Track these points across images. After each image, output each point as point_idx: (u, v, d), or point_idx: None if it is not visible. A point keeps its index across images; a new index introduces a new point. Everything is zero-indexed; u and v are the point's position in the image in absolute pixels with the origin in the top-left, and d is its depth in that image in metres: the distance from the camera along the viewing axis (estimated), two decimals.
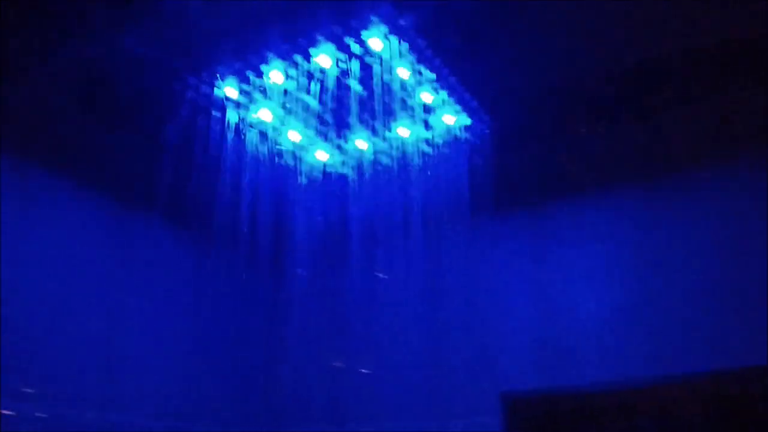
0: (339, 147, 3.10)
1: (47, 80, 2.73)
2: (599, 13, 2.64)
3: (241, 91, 2.79)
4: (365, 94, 2.77)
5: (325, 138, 3.05)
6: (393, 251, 3.18)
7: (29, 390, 2.81)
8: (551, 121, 3.20)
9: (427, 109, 2.89)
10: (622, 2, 2.58)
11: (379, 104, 2.78)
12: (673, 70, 2.96)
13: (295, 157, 3.02)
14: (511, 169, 3.30)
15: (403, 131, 3.02)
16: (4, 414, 2.70)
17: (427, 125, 2.99)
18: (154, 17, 2.52)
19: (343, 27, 2.46)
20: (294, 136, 3.00)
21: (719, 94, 3.06)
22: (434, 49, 2.61)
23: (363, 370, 3.63)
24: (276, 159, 3.00)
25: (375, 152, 3.07)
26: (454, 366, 3.51)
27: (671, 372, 3.16)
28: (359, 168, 3.09)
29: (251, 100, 2.81)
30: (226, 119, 2.86)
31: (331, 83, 2.70)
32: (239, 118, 2.86)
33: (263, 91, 2.77)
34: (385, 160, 3.05)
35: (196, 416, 3.48)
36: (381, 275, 3.34)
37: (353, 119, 2.91)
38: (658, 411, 3.55)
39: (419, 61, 2.60)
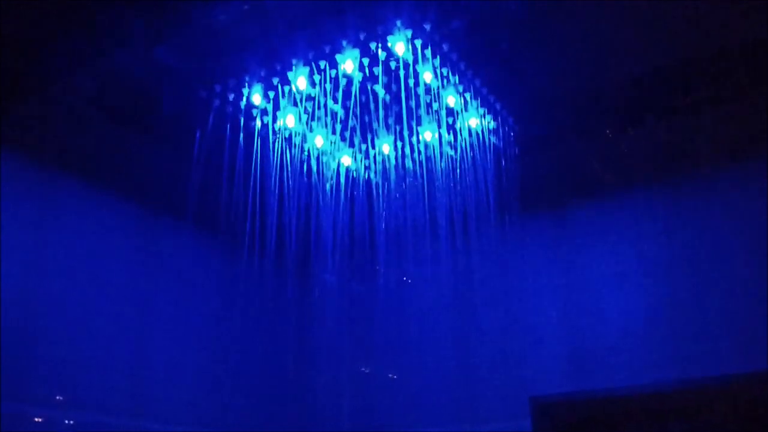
0: (364, 152, 3.11)
1: (78, 90, 2.78)
2: (623, 17, 2.64)
3: (267, 98, 2.81)
4: (389, 98, 2.78)
5: (351, 143, 3.07)
6: (420, 256, 3.18)
7: (58, 396, 2.85)
8: (576, 123, 3.19)
9: (452, 112, 2.89)
10: (647, 8, 2.58)
11: (404, 108, 2.79)
12: (698, 73, 2.95)
13: (320, 162, 3.04)
14: (537, 171, 3.30)
15: (428, 135, 3.02)
16: (36, 421, 2.74)
17: (452, 129, 2.99)
18: (182, 28, 2.57)
19: (367, 32, 2.48)
20: (319, 141, 3.02)
21: (744, 95, 3.04)
22: (458, 52, 2.62)
23: (391, 375, 3.63)
24: (302, 164, 3.01)
25: (400, 156, 3.07)
26: (483, 370, 3.51)
27: (700, 375, 3.13)
28: (384, 172, 3.10)
29: (277, 106, 2.83)
30: (253, 126, 2.89)
31: (355, 88, 2.72)
32: (265, 124, 2.89)
33: (289, 97, 2.80)
34: (410, 164, 3.06)
35: (224, 422, 3.50)
36: (408, 280, 3.34)
37: (378, 124, 2.93)
38: (687, 415, 3.51)
39: (443, 64, 2.61)
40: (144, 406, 3.17)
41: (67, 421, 2.86)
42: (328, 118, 2.87)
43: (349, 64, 2.63)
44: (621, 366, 3.27)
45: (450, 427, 3.50)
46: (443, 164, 3.02)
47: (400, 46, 2.53)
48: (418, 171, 3.06)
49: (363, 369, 3.64)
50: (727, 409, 3.38)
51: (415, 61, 2.58)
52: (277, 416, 3.78)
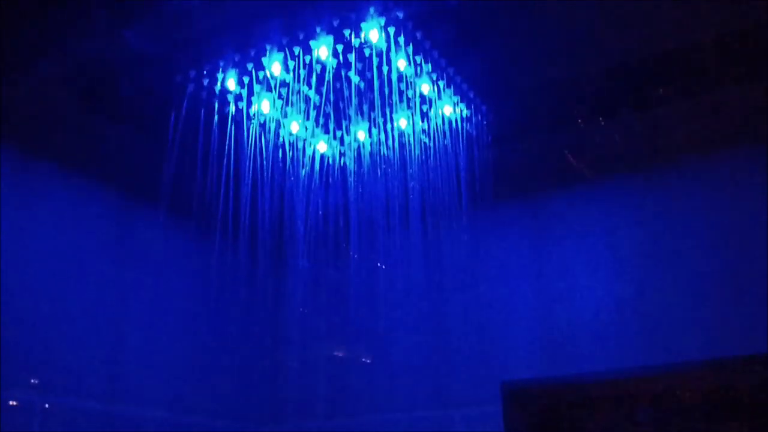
0: (339, 138, 3.13)
1: (50, 76, 2.76)
2: (598, 8, 2.66)
3: (242, 84, 2.81)
4: (364, 85, 2.79)
5: (326, 130, 3.08)
6: (393, 242, 3.20)
7: (33, 380, 2.85)
8: (550, 112, 3.22)
9: (426, 100, 2.91)
10: None
11: (378, 96, 2.81)
12: (671, 65, 2.97)
13: (295, 148, 3.05)
14: (511, 160, 3.32)
15: (403, 122, 3.04)
16: (10, 405, 2.74)
17: (426, 116, 3.01)
18: (155, 11, 2.56)
19: (341, 19, 2.49)
20: (294, 127, 3.03)
21: (718, 86, 3.08)
22: (432, 40, 2.63)
23: (365, 361, 3.67)
24: (277, 151, 3.02)
25: (375, 144, 3.09)
26: (456, 356, 3.55)
27: (669, 362, 3.19)
28: (359, 159, 3.12)
29: (252, 92, 2.84)
30: (228, 111, 2.89)
31: (330, 75, 2.73)
32: (240, 110, 2.89)
33: (264, 83, 2.80)
34: (385, 151, 3.07)
35: (200, 408, 3.52)
36: (382, 266, 3.37)
37: (353, 111, 2.94)
38: (658, 400, 3.58)
39: (416, 52, 2.62)
40: (119, 390, 3.19)
41: (42, 405, 2.86)
42: (303, 104, 2.88)
43: (323, 50, 2.64)
44: (592, 352, 3.32)
45: (422, 411, 3.54)
46: (418, 151, 3.05)
47: (374, 33, 2.54)
48: (393, 158, 3.08)
49: (337, 354, 3.67)
50: (697, 396, 3.45)
51: (389, 49, 2.59)
52: (253, 400, 3.80)
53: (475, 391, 3.48)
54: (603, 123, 3.26)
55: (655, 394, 3.56)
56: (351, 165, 3.16)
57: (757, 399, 3.30)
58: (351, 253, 3.27)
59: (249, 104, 2.89)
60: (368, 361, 3.66)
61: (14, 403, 2.77)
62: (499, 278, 3.59)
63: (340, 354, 3.72)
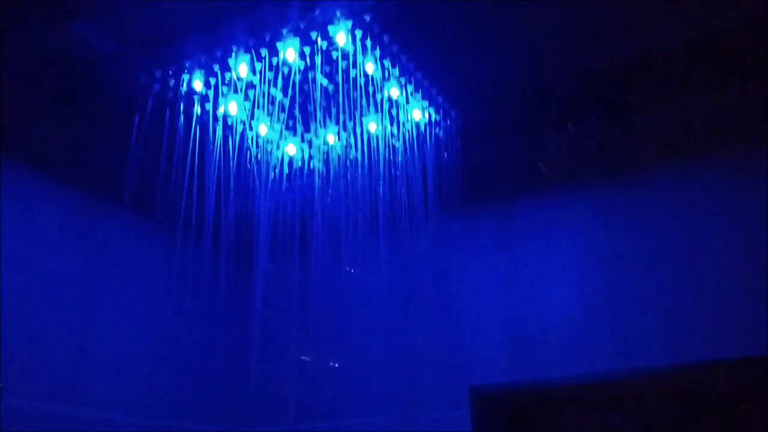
0: (308, 141, 3.11)
1: (15, 71, 2.72)
2: (568, 13, 2.67)
3: (208, 85, 2.79)
4: (333, 88, 2.78)
5: (294, 132, 3.06)
6: (362, 245, 3.19)
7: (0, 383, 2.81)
8: (518, 117, 3.23)
9: (395, 104, 2.91)
10: (591, 5, 2.60)
11: (347, 99, 2.80)
12: (641, 70, 2.99)
13: (263, 150, 3.03)
14: (479, 164, 3.32)
15: (372, 126, 3.03)
16: None
17: (395, 120, 3.00)
18: (121, 10, 2.53)
19: (307, 21, 2.48)
20: (263, 129, 3.01)
21: (684, 94, 3.12)
22: (400, 45, 2.63)
23: (333, 365, 3.65)
24: (245, 152, 3.00)
25: (344, 146, 3.08)
26: (424, 360, 3.53)
27: (637, 366, 3.20)
28: (328, 162, 3.10)
29: (219, 93, 2.82)
30: (194, 112, 2.87)
31: (298, 77, 2.71)
32: (207, 111, 2.87)
33: (230, 84, 2.78)
34: (354, 154, 3.06)
35: (165, 411, 3.49)
36: (350, 269, 3.35)
37: (322, 114, 2.93)
38: (627, 404, 3.60)
39: (384, 56, 2.62)
40: (84, 393, 3.15)
41: (5, 408, 2.82)
42: (272, 107, 2.86)
43: (290, 52, 2.63)
44: (560, 357, 3.33)
45: (392, 416, 3.53)
46: (387, 155, 3.04)
47: (341, 36, 2.53)
48: (361, 161, 3.07)
49: (304, 358, 3.65)
50: (666, 399, 3.48)
51: (356, 52, 2.58)
52: (219, 403, 3.77)
53: (443, 396, 3.47)
54: (572, 128, 3.28)
55: (626, 397, 3.58)
56: (320, 167, 3.15)
57: (723, 402, 3.33)
58: (319, 256, 3.26)
59: (216, 105, 2.87)
60: (336, 364, 3.65)
61: None
62: (467, 282, 3.58)
63: (307, 358, 3.70)
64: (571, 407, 3.69)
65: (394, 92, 2.84)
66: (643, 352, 3.18)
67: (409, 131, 3.01)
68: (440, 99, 2.92)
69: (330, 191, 3.10)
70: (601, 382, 3.36)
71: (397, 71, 2.70)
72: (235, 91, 2.79)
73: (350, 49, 2.57)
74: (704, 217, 3.19)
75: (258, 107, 2.86)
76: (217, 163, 2.92)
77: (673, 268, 3.20)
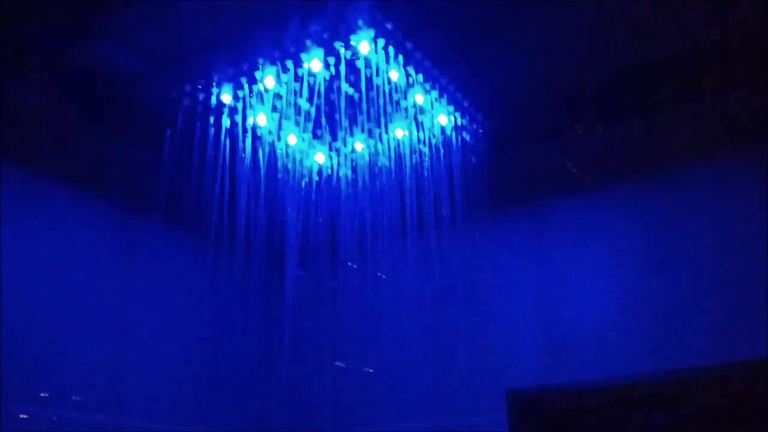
0: (336, 149, 3.14)
1: (49, 88, 2.80)
2: (595, 13, 2.65)
3: (237, 97, 2.84)
4: (358, 96, 2.81)
5: (323, 141, 3.10)
6: (393, 252, 3.21)
7: (42, 394, 2.89)
8: (547, 119, 3.22)
9: (421, 110, 2.92)
10: (619, 5, 2.59)
11: (373, 106, 2.82)
12: (670, 70, 2.96)
13: (293, 160, 3.07)
14: (509, 168, 3.32)
15: (398, 132, 3.05)
16: (20, 417, 2.78)
17: (422, 126, 3.02)
18: (147, 28, 2.60)
19: (330, 32, 2.51)
20: (291, 139, 3.05)
21: (719, 91, 3.06)
22: (423, 51, 2.64)
23: (367, 371, 3.67)
24: (275, 163, 3.05)
25: (372, 154, 3.10)
26: (459, 365, 3.54)
27: (676, 368, 3.16)
28: (356, 170, 3.13)
29: (247, 105, 2.86)
30: (223, 125, 2.92)
31: (324, 87, 2.74)
32: (236, 123, 2.92)
33: (258, 96, 2.83)
34: (382, 161, 3.08)
35: (201, 419, 3.54)
36: (382, 276, 3.37)
37: (350, 122, 2.96)
38: (663, 407, 3.55)
39: (408, 63, 2.63)
40: (124, 403, 3.21)
41: (50, 418, 2.90)
42: (300, 117, 2.90)
43: (315, 63, 2.66)
44: (596, 359, 3.30)
45: (426, 421, 3.53)
46: (415, 161, 3.05)
47: (364, 45, 2.55)
48: (390, 168, 3.08)
49: (337, 364, 3.68)
50: (704, 401, 3.42)
51: (380, 60, 2.60)
52: (254, 411, 3.82)
53: (479, 400, 3.47)
54: (602, 129, 3.25)
55: (662, 400, 3.53)
56: (349, 175, 3.17)
57: (764, 405, 3.27)
58: (351, 263, 3.28)
59: (245, 117, 2.91)
60: (370, 371, 3.66)
61: (24, 416, 2.80)
62: (501, 286, 3.58)
63: (341, 364, 3.72)
64: (609, 409, 3.64)
65: (419, 98, 2.85)
66: (680, 353, 3.14)
67: (435, 136, 3.02)
68: (466, 103, 2.92)
69: (358, 198, 3.12)
70: (639, 384, 3.32)
71: (421, 77, 2.71)
72: (263, 103, 2.83)
73: (374, 57, 2.58)
74: (739, 216, 3.14)
75: (285, 118, 2.90)
76: (247, 174, 2.96)
77: (710, 268, 3.16)
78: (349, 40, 2.53)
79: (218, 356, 3.66)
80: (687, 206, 3.28)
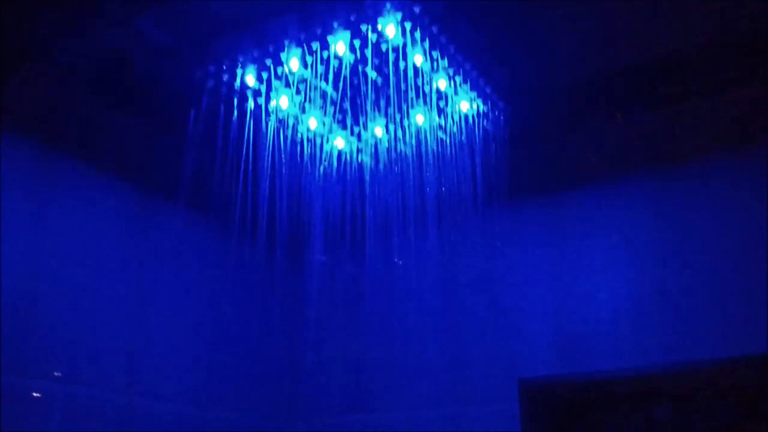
0: (357, 134, 3.15)
1: (68, 68, 2.80)
2: (615, 5, 2.66)
3: (261, 79, 2.84)
4: (381, 81, 2.81)
5: (344, 125, 3.10)
6: (411, 239, 3.22)
7: (57, 372, 2.90)
8: (567, 110, 3.22)
9: (443, 95, 2.92)
10: None
11: (395, 91, 2.83)
12: (689, 63, 2.97)
13: (313, 144, 3.08)
14: (528, 157, 3.32)
15: (419, 118, 3.06)
16: (34, 396, 2.79)
17: (443, 112, 3.02)
18: (176, 7, 2.61)
19: (358, 14, 2.52)
20: (312, 123, 3.06)
21: (733, 85, 3.07)
22: (448, 35, 2.65)
23: (382, 358, 3.68)
24: (296, 146, 3.05)
25: (392, 140, 3.11)
26: (473, 353, 3.55)
27: (689, 359, 3.17)
28: (376, 155, 3.14)
29: (271, 87, 2.87)
30: (247, 107, 2.93)
31: (348, 71, 2.75)
32: (259, 105, 2.92)
33: (282, 78, 2.83)
34: (402, 147, 3.09)
35: (217, 402, 3.55)
36: (399, 262, 3.38)
37: (370, 106, 2.96)
38: (675, 398, 3.56)
39: (433, 47, 2.64)
40: (140, 384, 3.22)
41: (64, 396, 2.91)
42: (321, 100, 2.90)
43: (340, 45, 2.67)
44: (609, 350, 3.31)
45: (441, 409, 3.55)
46: (435, 148, 3.06)
47: (390, 28, 2.56)
48: (409, 154, 3.09)
49: (355, 351, 3.69)
50: (715, 392, 3.44)
51: (406, 44, 2.61)
52: (271, 395, 3.83)
53: (492, 388, 3.48)
54: (621, 121, 3.26)
55: (673, 391, 3.55)
56: (368, 161, 3.18)
57: None
58: (368, 250, 3.29)
59: (268, 100, 2.92)
60: (386, 358, 3.67)
61: (38, 394, 2.81)
62: (516, 276, 3.58)
63: (358, 350, 3.73)
64: (621, 400, 3.66)
65: (442, 84, 2.86)
66: (692, 346, 3.14)
67: (457, 123, 3.02)
68: (488, 90, 2.93)
69: (378, 185, 3.13)
70: (651, 375, 3.33)
71: (445, 62, 2.72)
72: (287, 86, 2.84)
73: (399, 41, 2.59)
74: (755, 209, 3.14)
75: (308, 101, 2.90)
76: (269, 158, 2.97)
77: (724, 261, 3.16)
78: (377, 22, 2.54)
79: (235, 341, 3.68)
80: (702, 200, 3.28)
